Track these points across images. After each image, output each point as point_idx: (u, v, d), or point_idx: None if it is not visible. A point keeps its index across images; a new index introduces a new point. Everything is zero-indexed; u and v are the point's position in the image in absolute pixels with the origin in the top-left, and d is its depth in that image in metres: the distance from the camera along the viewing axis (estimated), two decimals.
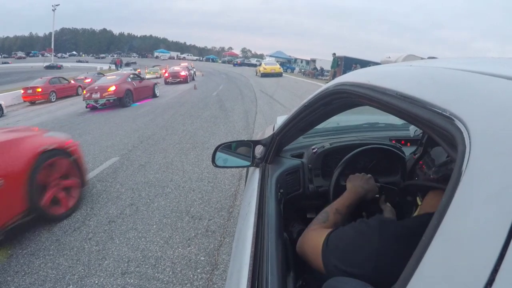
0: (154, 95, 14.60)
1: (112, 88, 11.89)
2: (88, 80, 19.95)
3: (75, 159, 3.56)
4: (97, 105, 11.83)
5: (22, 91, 16.14)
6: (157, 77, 25.72)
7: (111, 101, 11.86)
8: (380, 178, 1.51)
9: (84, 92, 12.38)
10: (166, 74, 22.61)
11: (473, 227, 0.35)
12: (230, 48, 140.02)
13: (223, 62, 68.48)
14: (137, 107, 11.85)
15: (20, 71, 34.50)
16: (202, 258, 2.63)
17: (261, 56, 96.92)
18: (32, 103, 16.11)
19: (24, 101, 16.21)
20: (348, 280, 0.68)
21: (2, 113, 12.75)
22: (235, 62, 55.12)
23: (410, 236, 0.63)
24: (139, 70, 26.88)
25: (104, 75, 22.64)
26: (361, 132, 2.00)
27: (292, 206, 1.59)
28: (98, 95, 11.75)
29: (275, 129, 1.56)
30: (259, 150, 1.63)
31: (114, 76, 13.45)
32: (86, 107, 11.95)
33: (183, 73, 22.09)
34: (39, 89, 15.83)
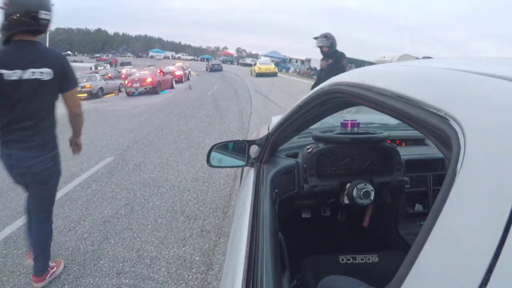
0: (172, 87, 18.19)
1: (149, 79, 15.71)
2: None
3: None
4: (136, 92, 15.29)
5: None
6: None
7: (147, 89, 15.41)
8: (374, 178, 1.53)
9: (126, 82, 16.13)
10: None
11: (468, 226, 0.35)
12: (225, 47, 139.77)
13: None
14: (163, 94, 15.27)
15: None
16: (197, 258, 2.64)
17: (256, 56, 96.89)
18: None
19: None
20: (344, 278, 0.68)
21: None
22: (208, 66, 38.06)
23: None
24: (134, 69, 26.80)
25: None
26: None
27: (287, 206, 1.59)
28: (138, 85, 15.41)
29: (270, 129, 1.56)
30: (253, 150, 1.63)
31: (146, 71, 17.41)
32: (127, 95, 15.40)
33: (178, 72, 22.15)
34: None
